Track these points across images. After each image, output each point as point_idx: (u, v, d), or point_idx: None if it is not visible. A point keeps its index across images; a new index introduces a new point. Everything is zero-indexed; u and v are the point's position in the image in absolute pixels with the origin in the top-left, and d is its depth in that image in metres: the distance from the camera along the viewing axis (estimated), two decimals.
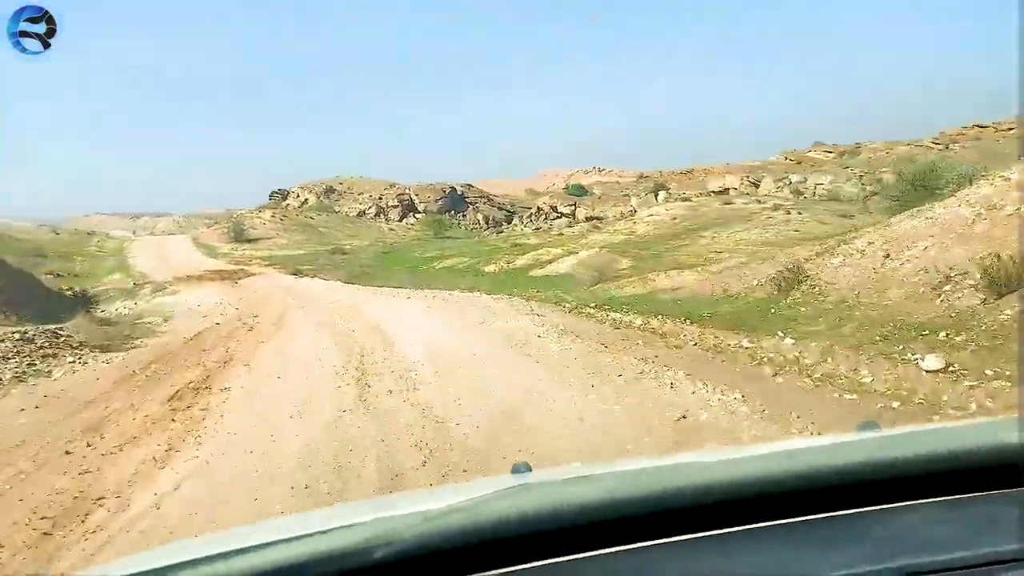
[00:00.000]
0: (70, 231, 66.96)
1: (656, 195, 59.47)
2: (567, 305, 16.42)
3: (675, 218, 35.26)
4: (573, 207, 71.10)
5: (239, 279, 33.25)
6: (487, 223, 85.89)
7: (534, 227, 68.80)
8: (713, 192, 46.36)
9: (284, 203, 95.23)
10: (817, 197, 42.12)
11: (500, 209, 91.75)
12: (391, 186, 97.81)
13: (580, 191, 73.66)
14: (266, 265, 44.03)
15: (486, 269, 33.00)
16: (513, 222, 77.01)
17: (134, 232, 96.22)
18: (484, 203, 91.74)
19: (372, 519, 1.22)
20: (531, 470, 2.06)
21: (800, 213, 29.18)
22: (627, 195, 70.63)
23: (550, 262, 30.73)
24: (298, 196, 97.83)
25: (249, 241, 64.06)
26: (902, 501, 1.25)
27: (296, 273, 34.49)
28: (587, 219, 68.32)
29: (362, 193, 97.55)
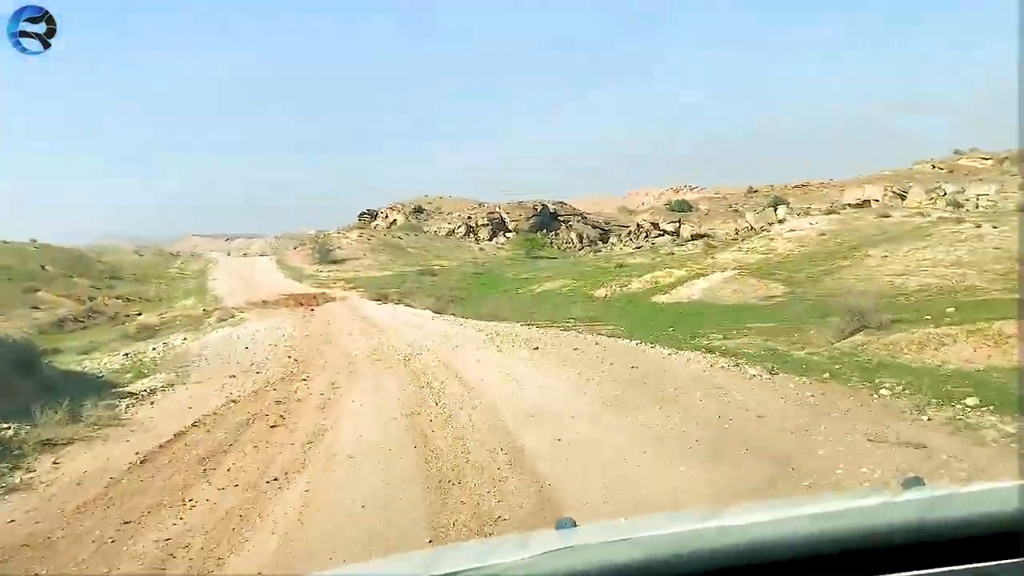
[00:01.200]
0: (154, 252, 65.57)
1: (775, 209, 53.37)
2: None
3: (823, 234, 29.59)
4: (677, 224, 65.54)
5: (316, 305, 29.46)
6: (580, 241, 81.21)
7: (635, 246, 63.59)
8: (850, 205, 40.25)
9: (372, 224, 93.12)
10: (982, 209, 35.56)
11: (594, 227, 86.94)
12: (479, 205, 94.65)
13: (684, 207, 67.97)
14: (350, 288, 40.41)
15: (595, 294, 28.15)
16: (610, 241, 71.93)
17: (228, 253, 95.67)
18: (577, 221, 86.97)
19: None
20: (576, 525, 2.01)
21: (995, 227, 23.19)
22: (736, 210, 64.63)
23: (673, 286, 25.66)
24: (387, 216, 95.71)
25: (335, 262, 61.12)
26: (921, 568, 1.26)
27: (380, 299, 30.37)
28: (693, 237, 62.73)
29: (451, 212, 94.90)
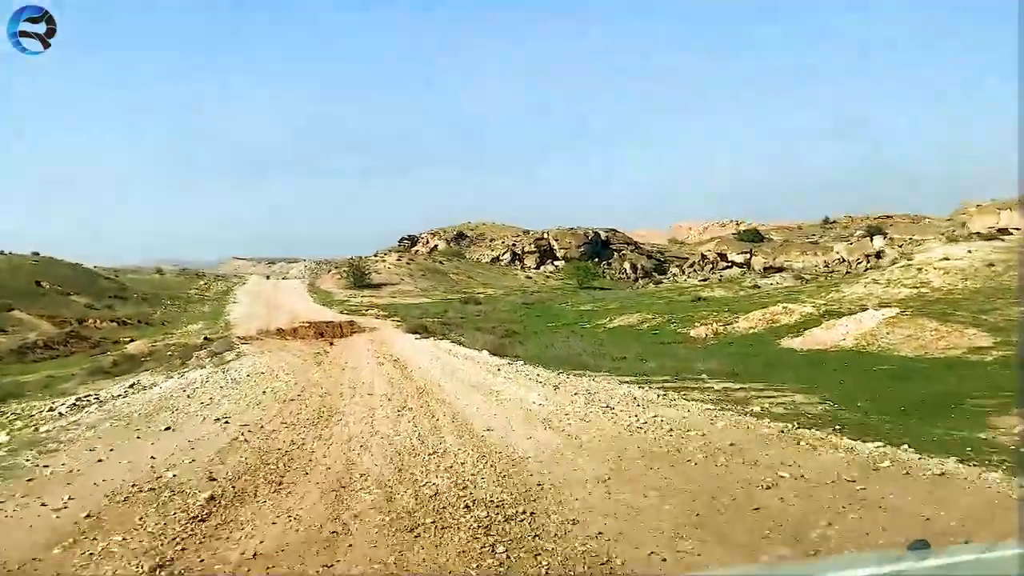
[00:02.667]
0: (177, 271, 60.66)
1: (871, 238, 46.59)
2: None
3: (991, 264, 22.98)
4: (748, 255, 58.95)
5: (339, 337, 23.69)
6: (634, 272, 74.90)
7: (700, 277, 57.17)
8: (979, 233, 33.57)
9: (412, 249, 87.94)
10: None
11: (648, 257, 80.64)
12: (524, 232, 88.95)
13: (755, 237, 61.33)
14: (384, 316, 34.66)
15: (691, 333, 21.88)
16: (669, 271, 65.50)
17: (268, 276, 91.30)
18: (631, 250, 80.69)
19: None
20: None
21: None
22: (815, 242, 57.89)
23: (803, 327, 19.41)
24: (427, 242, 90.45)
25: (370, 287, 55.57)
26: None
27: (419, 331, 24.41)
28: (767, 269, 56.11)
29: (494, 239, 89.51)
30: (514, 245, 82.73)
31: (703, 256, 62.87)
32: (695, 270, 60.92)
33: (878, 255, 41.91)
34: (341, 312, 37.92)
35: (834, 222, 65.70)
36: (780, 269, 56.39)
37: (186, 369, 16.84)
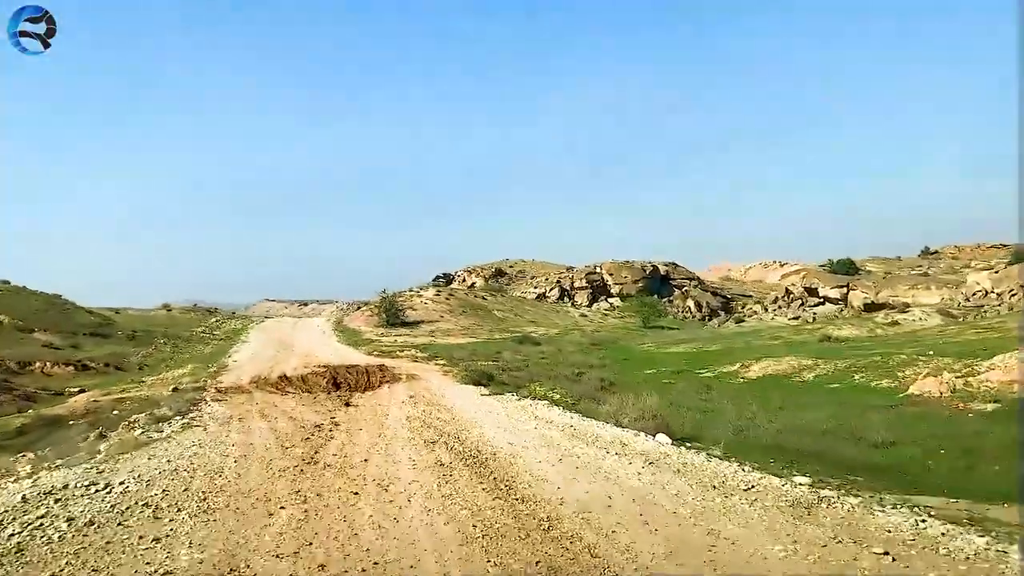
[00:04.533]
0: (185, 309, 53.49)
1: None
2: None
3: None
4: (845, 289, 50.40)
5: (363, 390, 15.95)
6: (699, 309, 66.51)
7: (790, 315, 48.71)
8: None
9: (448, 287, 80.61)
10: None
11: (714, 294, 72.19)
12: (568, 268, 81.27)
13: (850, 268, 52.74)
14: (424, 358, 26.99)
15: (915, 390, 13.74)
16: (746, 308, 56.94)
17: (299, 317, 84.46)
18: (693, 286, 72.36)
19: None
20: None
21: None
22: (925, 273, 49.26)
23: None
24: (464, 280, 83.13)
25: (405, 325, 47.91)
26: None
27: (483, 382, 16.39)
28: (868, 306, 47.44)
29: (535, 276, 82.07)
30: (560, 281, 74.93)
31: (787, 291, 54.34)
32: (780, 307, 52.44)
33: None
34: (370, 353, 30.19)
35: (936, 252, 56.82)
36: (884, 306, 47.64)
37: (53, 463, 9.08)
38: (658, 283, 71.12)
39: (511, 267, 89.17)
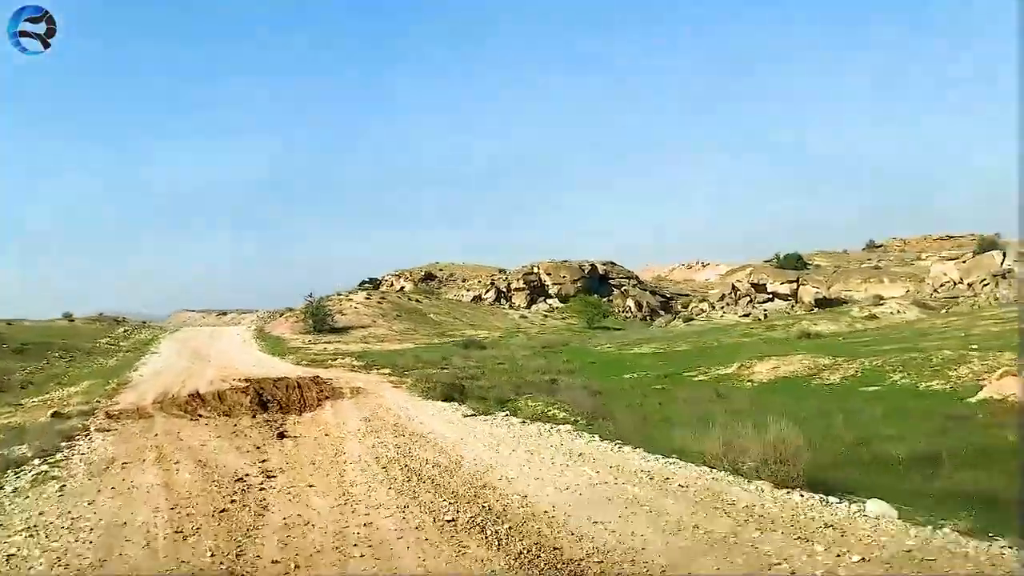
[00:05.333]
0: (90, 319, 48.15)
1: (995, 253, 36.64)
2: None
3: None
4: (795, 284, 48.93)
5: (300, 408, 12.62)
6: (639, 309, 64.53)
7: (741, 312, 46.96)
8: None
9: (379, 291, 76.62)
10: None
11: (653, 293, 70.35)
12: (501, 271, 78.56)
13: (798, 264, 51.39)
14: (363, 367, 23.72)
15: (990, 394, 11.10)
16: (694, 307, 55.03)
17: (215, 326, 79.51)
18: (632, 285, 70.38)
19: None
20: None
21: None
22: (876, 266, 48.29)
23: None
24: (391, 284, 79.38)
25: (334, 330, 44.05)
26: None
27: (454, 397, 13.05)
28: (819, 302, 46.06)
29: (466, 280, 79.14)
30: (495, 282, 72.00)
31: (734, 288, 52.69)
32: (727, 304, 50.72)
33: (1004, 275, 31.94)
34: (298, 363, 26.55)
35: (882, 245, 56.12)
36: (838, 301, 46.42)
37: None
38: (597, 282, 68.86)
39: (441, 270, 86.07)
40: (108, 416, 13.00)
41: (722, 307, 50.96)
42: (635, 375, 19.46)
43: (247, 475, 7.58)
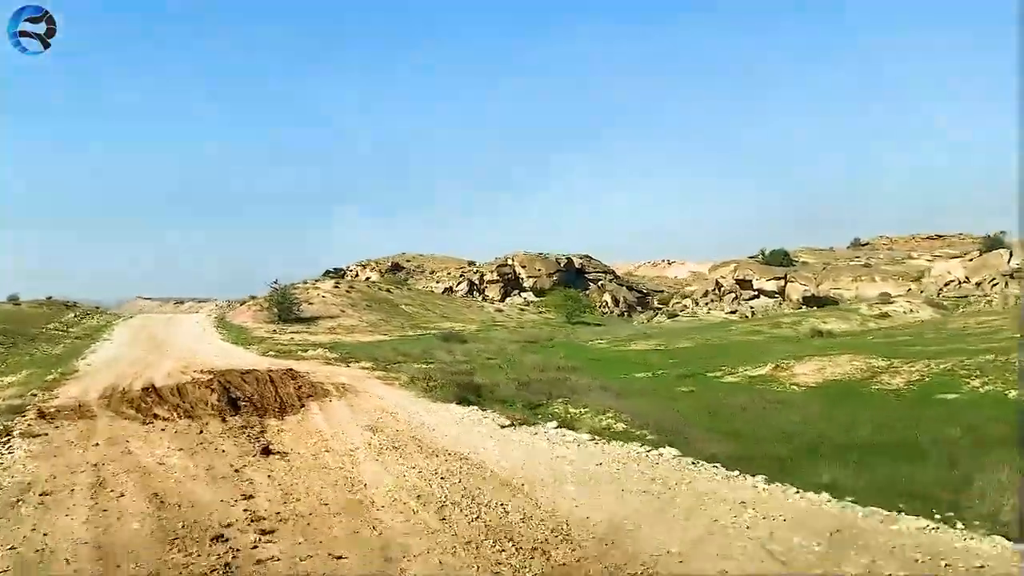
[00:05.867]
0: (37, 303, 44.74)
1: (1004, 252, 35.35)
2: None
3: None
4: (782, 282, 47.48)
5: (278, 409, 10.25)
6: (616, 305, 62.78)
7: (728, 309, 45.37)
8: None
9: (348, 281, 73.75)
10: None
11: (630, 289, 68.65)
12: (470, 263, 76.55)
13: (784, 259, 49.97)
14: (338, 359, 21.49)
15: None
16: (677, 303, 53.39)
17: (171, 315, 75.97)
18: (609, 280, 68.60)
19: None
20: None
21: None
22: (867, 264, 47.08)
23: None
24: (357, 275, 76.39)
25: (300, 320, 41.38)
26: None
27: (467, 398, 10.76)
28: (808, 300, 44.66)
29: (434, 271, 77.00)
30: (465, 274, 69.81)
31: (718, 284, 51.13)
32: (712, 300, 49.13)
33: (1013, 275, 30.64)
34: (265, 353, 24.05)
35: (868, 243, 55.01)
36: (826, 299, 45.02)
37: None
38: (573, 276, 66.92)
39: (408, 261, 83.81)
40: (41, 415, 10.55)
41: (707, 303, 49.37)
42: (648, 374, 17.42)
43: (229, 524, 5.23)
